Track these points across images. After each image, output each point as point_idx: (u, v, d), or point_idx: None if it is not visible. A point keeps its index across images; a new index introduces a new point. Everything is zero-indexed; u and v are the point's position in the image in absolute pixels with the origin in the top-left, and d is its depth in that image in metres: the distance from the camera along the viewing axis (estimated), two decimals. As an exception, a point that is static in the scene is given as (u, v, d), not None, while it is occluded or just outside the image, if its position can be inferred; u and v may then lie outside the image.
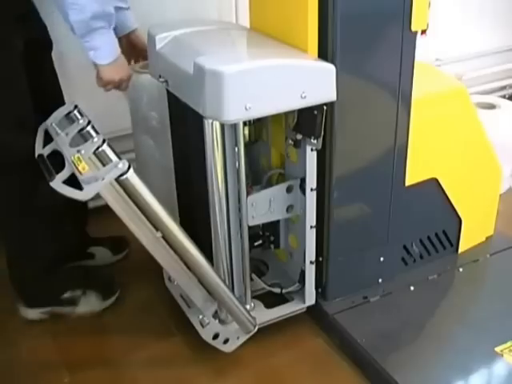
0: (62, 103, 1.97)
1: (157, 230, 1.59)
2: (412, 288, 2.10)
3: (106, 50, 1.83)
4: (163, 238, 1.61)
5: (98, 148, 1.46)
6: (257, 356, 1.93)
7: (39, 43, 1.95)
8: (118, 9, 1.96)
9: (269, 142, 2.00)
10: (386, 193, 1.97)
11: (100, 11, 1.72)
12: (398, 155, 1.92)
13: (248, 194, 1.80)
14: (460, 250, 2.28)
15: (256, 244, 2.02)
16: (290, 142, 1.81)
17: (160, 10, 2.49)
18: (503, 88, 3.75)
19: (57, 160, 1.60)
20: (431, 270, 2.18)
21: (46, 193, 1.55)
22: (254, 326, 1.86)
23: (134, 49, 2.15)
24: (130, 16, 2.11)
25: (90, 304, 2.13)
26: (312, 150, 1.75)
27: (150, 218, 1.56)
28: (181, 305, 2.03)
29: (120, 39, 2.03)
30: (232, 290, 1.82)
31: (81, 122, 1.57)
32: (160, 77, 1.84)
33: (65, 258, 2.12)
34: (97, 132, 1.53)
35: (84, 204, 2.24)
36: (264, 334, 1.92)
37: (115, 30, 1.88)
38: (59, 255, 2.07)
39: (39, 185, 1.75)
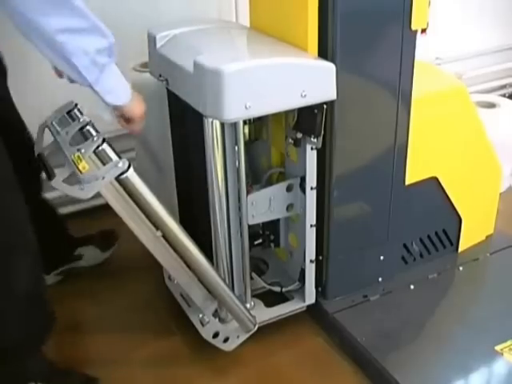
0: (24, 135, 1.93)
1: (157, 228, 1.59)
2: (412, 287, 2.10)
3: (122, 85, 1.61)
4: (163, 236, 1.61)
5: (98, 147, 1.46)
6: (257, 355, 1.93)
7: None
8: None
9: (269, 141, 2.00)
10: (386, 192, 1.97)
11: (104, 43, 1.49)
12: (398, 154, 1.92)
13: (248, 192, 1.80)
14: (460, 249, 2.28)
15: (256, 243, 2.02)
16: (290, 140, 1.81)
17: (160, 9, 2.49)
18: (503, 87, 3.75)
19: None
20: (431, 269, 2.18)
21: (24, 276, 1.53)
22: (254, 325, 1.86)
23: None
24: None
25: None
26: (312, 148, 1.75)
27: (150, 216, 1.56)
28: (181, 304, 2.03)
29: None
30: (232, 289, 1.82)
31: (81, 120, 1.57)
32: (160, 76, 1.84)
33: (30, 349, 1.73)
34: (97, 131, 1.53)
35: (54, 213, 2.23)
36: (264, 333, 1.92)
37: None
38: (24, 346, 1.70)
39: (18, 267, 1.59)
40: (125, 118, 1.69)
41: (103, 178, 1.44)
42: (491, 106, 2.82)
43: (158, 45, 1.85)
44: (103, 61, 1.49)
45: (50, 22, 1.36)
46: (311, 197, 1.83)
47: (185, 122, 1.90)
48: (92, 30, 1.44)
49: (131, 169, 1.47)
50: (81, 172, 1.46)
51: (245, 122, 1.82)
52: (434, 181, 2.08)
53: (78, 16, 1.41)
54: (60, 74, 1.66)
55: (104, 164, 1.46)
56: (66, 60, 1.43)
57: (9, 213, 1.55)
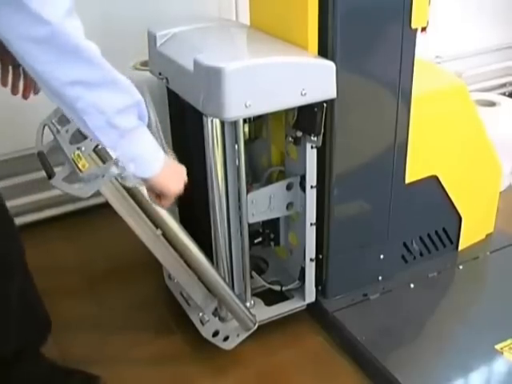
0: None
1: (157, 227, 1.59)
2: (412, 285, 2.10)
3: (151, 153, 1.31)
4: (163, 235, 1.61)
5: (98, 145, 1.46)
6: (257, 354, 1.93)
7: None
8: None
9: (269, 140, 2.00)
10: (386, 190, 1.97)
11: (127, 102, 1.22)
12: (398, 153, 1.92)
13: (248, 191, 1.80)
14: (460, 248, 2.28)
15: (256, 241, 2.02)
16: (290, 139, 1.81)
17: (160, 7, 2.49)
18: (503, 85, 3.75)
19: None
20: (431, 268, 2.18)
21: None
22: (254, 324, 1.86)
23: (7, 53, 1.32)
24: None
25: None
26: (312, 147, 1.75)
27: (150, 215, 1.56)
28: (181, 303, 2.03)
29: None
30: (232, 288, 1.82)
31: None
32: (160, 74, 1.84)
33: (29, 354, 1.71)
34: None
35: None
36: (264, 332, 1.92)
37: None
38: (22, 352, 1.67)
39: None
40: (154, 192, 1.40)
41: (103, 176, 1.44)
42: (491, 104, 2.81)
43: (158, 43, 1.85)
44: (125, 124, 1.21)
45: (58, 72, 1.14)
46: (311, 195, 1.83)
47: (185, 120, 1.90)
48: (109, 84, 1.19)
49: (131, 167, 1.46)
50: (81, 170, 1.45)
51: (245, 121, 1.82)
52: (434, 179, 2.08)
53: (92, 66, 1.17)
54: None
55: (104, 162, 1.46)
56: (77, 117, 1.20)
57: None
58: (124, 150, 1.25)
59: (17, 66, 1.50)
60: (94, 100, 1.17)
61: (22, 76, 1.52)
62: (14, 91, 1.53)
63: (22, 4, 1.06)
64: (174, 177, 1.37)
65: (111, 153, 1.31)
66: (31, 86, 1.53)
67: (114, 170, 1.37)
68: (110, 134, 1.22)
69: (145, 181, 1.33)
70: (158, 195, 1.39)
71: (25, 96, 1.53)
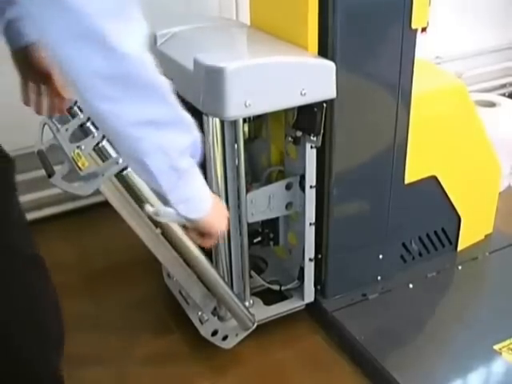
0: None
1: (156, 226, 1.59)
2: (411, 286, 2.10)
3: (202, 193, 1.22)
4: (162, 234, 1.61)
5: (97, 144, 1.46)
6: (255, 353, 1.93)
7: None
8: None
9: (268, 139, 2.00)
10: (386, 190, 1.97)
11: (189, 141, 1.11)
12: (397, 153, 1.92)
13: (247, 191, 1.80)
14: (459, 248, 2.28)
15: (255, 241, 2.02)
16: (290, 139, 1.81)
17: (160, 7, 2.49)
18: (503, 86, 3.75)
19: None
20: (430, 268, 2.18)
21: None
22: (253, 323, 1.86)
23: (32, 71, 1.40)
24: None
25: None
26: (312, 147, 1.75)
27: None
28: (180, 301, 2.03)
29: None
30: (231, 287, 1.82)
31: (81, 117, 1.57)
32: (160, 73, 1.84)
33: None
34: (97, 128, 1.53)
35: None
36: (263, 331, 1.92)
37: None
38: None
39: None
40: (199, 231, 1.31)
41: (103, 174, 1.44)
42: (491, 105, 2.82)
43: (158, 43, 1.85)
44: (184, 164, 1.11)
45: (126, 111, 1.00)
46: (310, 195, 1.83)
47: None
48: (177, 123, 1.08)
49: (131, 166, 1.46)
50: (80, 169, 1.46)
51: (244, 120, 1.82)
52: (434, 180, 2.08)
53: (165, 104, 1.06)
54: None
55: (104, 161, 1.46)
56: (138, 159, 1.06)
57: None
58: (179, 193, 1.15)
59: (40, 83, 1.40)
60: (160, 141, 1.05)
61: (46, 94, 1.41)
62: (39, 110, 1.43)
63: (101, 36, 0.91)
64: (219, 215, 1.30)
65: (165, 196, 1.16)
66: (56, 107, 1.44)
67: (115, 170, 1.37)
68: (171, 177, 1.10)
69: (191, 221, 1.23)
70: (201, 234, 1.30)
71: (51, 115, 1.47)
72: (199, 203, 1.21)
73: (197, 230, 1.29)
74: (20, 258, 1.25)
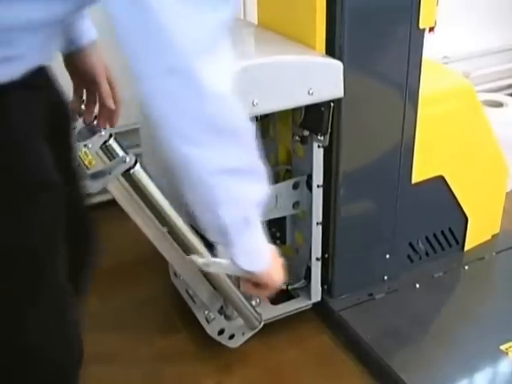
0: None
1: (163, 225, 1.59)
2: (417, 285, 2.10)
3: (264, 245, 1.14)
4: (169, 233, 1.61)
5: (104, 142, 1.46)
6: (262, 352, 1.93)
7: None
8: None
9: (276, 138, 2.00)
10: (393, 190, 1.97)
11: (263, 193, 1.06)
12: (404, 152, 1.92)
13: (254, 190, 1.79)
14: (466, 248, 2.28)
15: (262, 240, 2.01)
16: (297, 138, 1.81)
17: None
18: (510, 86, 3.74)
19: None
20: (437, 268, 2.18)
21: None
22: (260, 322, 1.86)
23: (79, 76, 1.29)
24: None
25: None
26: (319, 146, 1.75)
27: (157, 213, 1.56)
28: (186, 301, 2.03)
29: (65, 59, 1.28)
30: (238, 286, 1.82)
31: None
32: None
33: None
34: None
35: None
36: (269, 331, 1.92)
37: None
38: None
39: None
40: (253, 282, 1.23)
41: (110, 173, 1.45)
42: (498, 105, 2.81)
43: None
44: (256, 216, 1.05)
45: (206, 158, 0.92)
46: (318, 194, 1.83)
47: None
48: (256, 173, 1.03)
49: (138, 164, 1.47)
50: (87, 167, 1.46)
51: (251, 119, 1.82)
52: (441, 179, 2.07)
53: (248, 152, 1.00)
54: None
55: (111, 159, 1.46)
56: (208, 208, 0.99)
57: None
58: (244, 245, 1.08)
59: (93, 91, 1.31)
60: (237, 191, 0.98)
61: (96, 103, 1.33)
62: (88, 118, 1.36)
63: (194, 77, 0.84)
64: (277, 267, 1.21)
65: (226, 247, 1.10)
66: (107, 118, 1.35)
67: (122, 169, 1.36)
68: (240, 230, 1.03)
69: (249, 273, 1.16)
70: (256, 284, 1.23)
71: (98, 126, 1.37)
72: (261, 256, 1.15)
73: (252, 281, 1.23)
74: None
